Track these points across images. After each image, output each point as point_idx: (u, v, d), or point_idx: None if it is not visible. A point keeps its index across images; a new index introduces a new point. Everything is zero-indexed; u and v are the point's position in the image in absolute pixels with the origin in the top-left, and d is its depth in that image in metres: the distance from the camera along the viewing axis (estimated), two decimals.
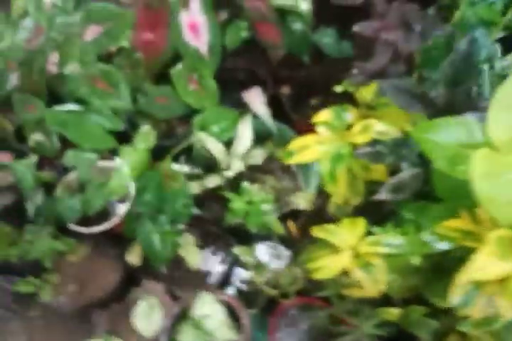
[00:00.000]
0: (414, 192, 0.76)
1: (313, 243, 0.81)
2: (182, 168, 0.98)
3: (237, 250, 0.97)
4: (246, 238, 1.02)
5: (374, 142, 0.75)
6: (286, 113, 1.11)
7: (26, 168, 0.94)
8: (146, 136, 0.93)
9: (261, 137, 1.02)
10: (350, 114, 0.78)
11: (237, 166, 0.95)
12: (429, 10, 0.80)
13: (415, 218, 0.74)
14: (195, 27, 0.93)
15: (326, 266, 0.73)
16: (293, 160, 0.78)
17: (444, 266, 0.74)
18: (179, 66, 0.95)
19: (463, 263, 0.65)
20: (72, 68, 0.87)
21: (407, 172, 0.76)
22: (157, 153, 0.98)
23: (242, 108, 1.03)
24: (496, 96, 0.53)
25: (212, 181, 0.96)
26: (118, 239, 1.02)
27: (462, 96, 0.66)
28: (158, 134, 0.98)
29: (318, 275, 0.73)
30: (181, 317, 0.90)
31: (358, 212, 0.82)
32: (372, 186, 0.80)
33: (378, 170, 0.80)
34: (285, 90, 1.11)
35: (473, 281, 0.61)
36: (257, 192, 0.91)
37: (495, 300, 0.60)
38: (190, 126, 1.01)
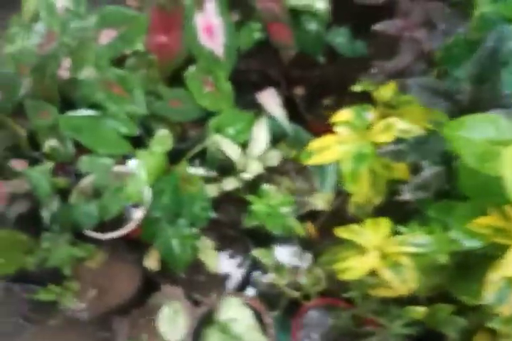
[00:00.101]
0: (437, 190, 0.76)
1: (335, 244, 0.81)
2: (197, 171, 0.98)
3: (256, 252, 0.96)
4: (264, 240, 1.01)
5: (396, 141, 0.74)
6: (299, 113, 1.11)
7: (42, 175, 0.93)
8: (163, 140, 0.93)
9: (275, 138, 1.02)
10: (370, 113, 0.78)
11: (254, 168, 0.95)
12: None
13: (440, 217, 0.73)
14: (211, 29, 0.92)
15: (354, 267, 0.72)
16: (312, 161, 0.77)
17: (468, 264, 0.74)
18: (192, 68, 0.95)
19: (490, 260, 0.65)
20: (87, 73, 0.87)
21: (429, 170, 0.75)
22: (172, 157, 0.97)
23: (256, 109, 1.03)
24: None
25: (230, 184, 0.96)
26: (135, 244, 1.01)
27: (488, 94, 0.65)
28: (172, 138, 0.97)
29: (346, 276, 0.73)
30: (206, 321, 0.89)
31: (379, 211, 0.82)
32: (393, 185, 0.80)
33: (400, 169, 0.80)
34: (299, 91, 1.11)
35: (505, 278, 0.61)
36: (275, 194, 0.90)
37: None
38: (204, 128, 1.00)
